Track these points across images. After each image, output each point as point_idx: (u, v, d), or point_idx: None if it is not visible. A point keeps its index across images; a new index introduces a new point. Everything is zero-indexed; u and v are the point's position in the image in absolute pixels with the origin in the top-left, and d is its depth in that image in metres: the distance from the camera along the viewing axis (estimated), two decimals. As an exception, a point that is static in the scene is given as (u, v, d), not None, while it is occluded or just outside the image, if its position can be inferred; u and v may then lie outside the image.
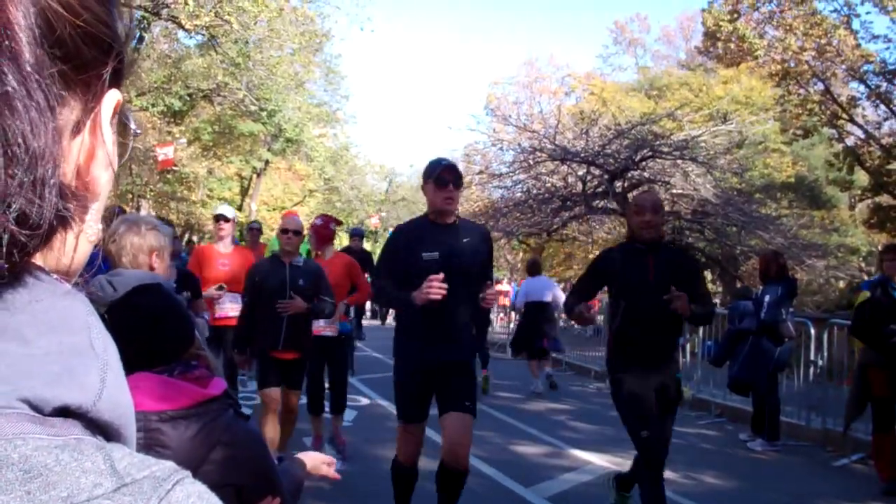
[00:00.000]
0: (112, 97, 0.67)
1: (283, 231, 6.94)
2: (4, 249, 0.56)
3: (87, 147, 0.66)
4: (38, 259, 0.63)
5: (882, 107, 24.11)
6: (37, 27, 0.56)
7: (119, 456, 0.59)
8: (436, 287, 4.61)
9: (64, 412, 0.60)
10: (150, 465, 0.60)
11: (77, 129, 0.64)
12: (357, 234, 15.22)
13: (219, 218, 8.89)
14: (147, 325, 2.26)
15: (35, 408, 0.58)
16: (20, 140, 0.55)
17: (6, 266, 0.58)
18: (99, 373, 0.63)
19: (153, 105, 22.35)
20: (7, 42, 0.55)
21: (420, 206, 48.69)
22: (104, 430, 0.64)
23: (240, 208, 34.37)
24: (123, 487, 0.57)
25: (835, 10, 22.36)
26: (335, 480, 2.91)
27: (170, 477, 0.60)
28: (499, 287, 19.80)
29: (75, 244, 0.66)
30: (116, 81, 0.67)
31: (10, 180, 0.55)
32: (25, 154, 0.56)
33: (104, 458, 0.58)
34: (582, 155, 17.66)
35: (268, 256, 7.49)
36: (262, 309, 6.64)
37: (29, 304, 0.61)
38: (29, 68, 0.56)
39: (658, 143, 17.40)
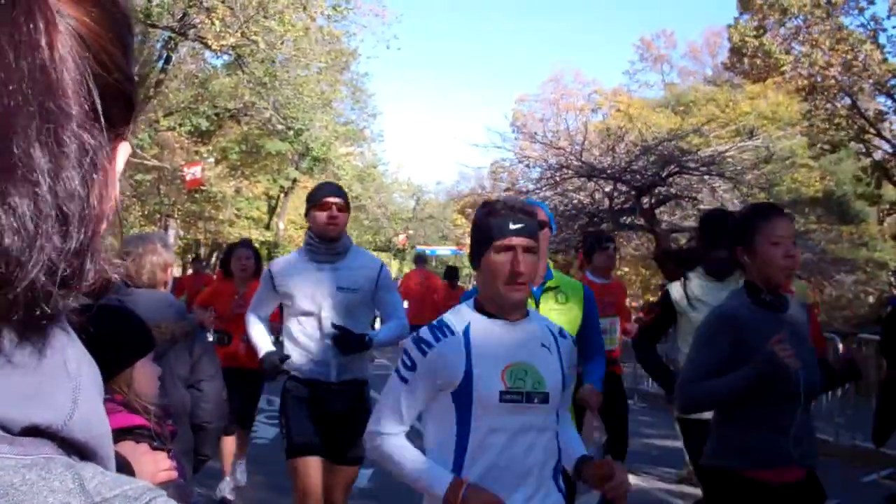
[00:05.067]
0: (125, 150, 0.67)
1: None
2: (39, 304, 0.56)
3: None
4: None
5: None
6: (82, 88, 0.57)
7: (90, 475, 0.58)
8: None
9: (34, 431, 0.59)
10: (122, 484, 0.59)
11: None
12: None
13: None
14: None
15: (3, 427, 0.57)
16: (74, 203, 0.56)
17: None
18: (70, 393, 0.63)
19: (180, 125, 22.43)
20: (61, 105, 0.55)
21: (447, 223, 48.68)
22: (80, 450, 0.63)
23: (268, 227, 34.58)
24: None
25: (861, 25, 22.28)
26: None
27: (142, 496, 0.59)
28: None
29: None
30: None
31: (63, 243, 0.56)
32: (78, 215, 0.57)
33: (73, 477, 0.57)
34: (608, 171, 17.59)
35: None
36: None
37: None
38: (78, 129, 0.56)
39: (685, 158, 17.31)
